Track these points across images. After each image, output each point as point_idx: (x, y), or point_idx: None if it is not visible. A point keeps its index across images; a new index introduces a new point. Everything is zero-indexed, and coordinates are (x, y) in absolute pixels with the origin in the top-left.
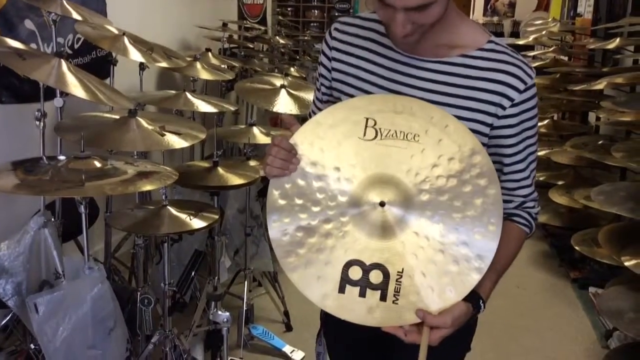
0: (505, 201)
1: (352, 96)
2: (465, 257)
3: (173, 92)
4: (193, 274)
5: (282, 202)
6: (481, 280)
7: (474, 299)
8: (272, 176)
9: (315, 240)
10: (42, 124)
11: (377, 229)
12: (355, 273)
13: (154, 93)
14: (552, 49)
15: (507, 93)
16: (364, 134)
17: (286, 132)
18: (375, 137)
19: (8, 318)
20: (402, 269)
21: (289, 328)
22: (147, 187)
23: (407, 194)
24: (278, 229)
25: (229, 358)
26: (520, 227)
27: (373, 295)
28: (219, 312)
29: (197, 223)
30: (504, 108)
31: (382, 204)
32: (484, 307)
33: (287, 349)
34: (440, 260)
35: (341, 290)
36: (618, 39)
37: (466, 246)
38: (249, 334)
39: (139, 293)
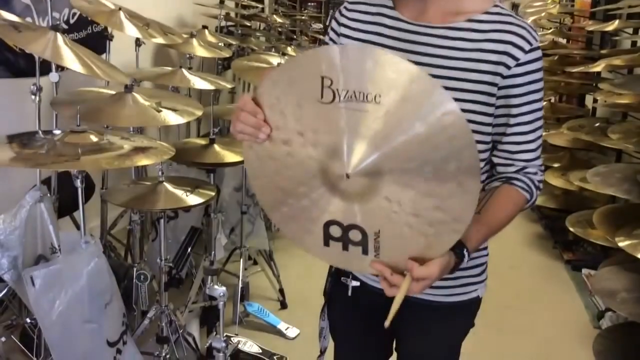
0: (505, 165)
1: None
2: (441, 220)
3: (169, 68)
4: (189, 250)
5: (256, 162)
6: (466, 230)
7: (457, 247)
8: (240, 141)
9: (293, 201)
10: (37, 98)
11: (348, 195)
12: (336, 231)
13: (149, 69)
14: (550, 31)
15: (512, 52)
16: (322, 96)
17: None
18: (333, 99)
19: (4, 292)
20: (379, 231)
21: (284, 306)
22: (144, 162)
23: (375, 161)
24: (259, 187)
25: (225, 334)
26: (518, 191)
27: (356, 250)
28: (215, 287)
29: (193, 199)
30: (508, 67)
31: (347, 176)
32: (469, 256)
33: (282, 326)
34: (414, 223)
35: (326, 244)
36: (617, 21)
37: (440, 211)
38: (244, 311)
39: (135, 269)
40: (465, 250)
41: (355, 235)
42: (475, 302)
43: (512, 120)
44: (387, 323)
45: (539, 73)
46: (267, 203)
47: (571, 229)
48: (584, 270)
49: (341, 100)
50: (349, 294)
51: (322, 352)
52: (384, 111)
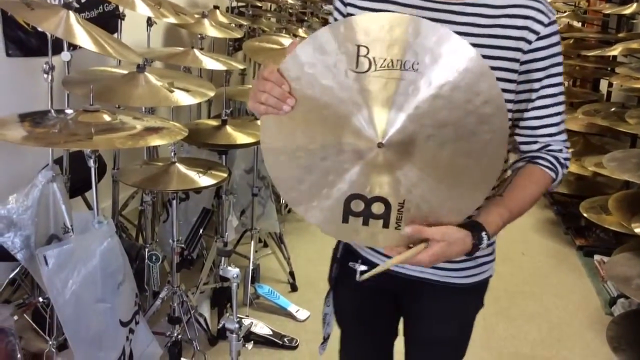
0: (528, 142)
1: None
2: (464, 189)
3: (181, 49)
4: (201, 231)
5: (278, 135)
6: (487, 213)
7: (476, 229)
8: (261, 114)
9: (315, 178)
10: (49, 76)
11: (376, 166)
12: (358, 206)
13: (161, 49)
14: (565, 14)
15: (532, 27)
16: (357, 66)
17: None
18: (369, 68)
19: (16, 272)
20: (404, 201)
21: (294, 288)
22: (157, 142)
23: (408, 129)
24: (275, 166)
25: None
26: (543, 170)
27: (376, 224)
28: (229, 268)
29: (206, 180)
30: (529, 42)
31: (379, 145)
32: (488, 239)
33: (292, 308)
34: (442, 189)
35: (345, 220)
36: (635, 4)
37: (467, 174)
38: (255, 293)
39: (146, 250)
40: (484, 233)
41: (378, 207)
42: (487, 282)
43: (534, 95)
44: (362, 277)
45: (559, 46)
46: (284, 181)
47: (585, 215)
48: (596, 257)
49: (377, 69)
50: (357, 278)
51: (326, 339)
52: (422, 78)
